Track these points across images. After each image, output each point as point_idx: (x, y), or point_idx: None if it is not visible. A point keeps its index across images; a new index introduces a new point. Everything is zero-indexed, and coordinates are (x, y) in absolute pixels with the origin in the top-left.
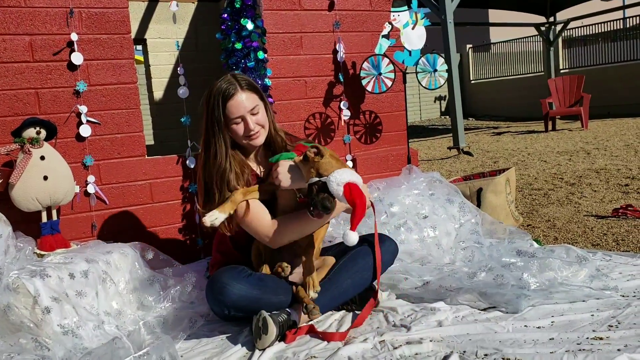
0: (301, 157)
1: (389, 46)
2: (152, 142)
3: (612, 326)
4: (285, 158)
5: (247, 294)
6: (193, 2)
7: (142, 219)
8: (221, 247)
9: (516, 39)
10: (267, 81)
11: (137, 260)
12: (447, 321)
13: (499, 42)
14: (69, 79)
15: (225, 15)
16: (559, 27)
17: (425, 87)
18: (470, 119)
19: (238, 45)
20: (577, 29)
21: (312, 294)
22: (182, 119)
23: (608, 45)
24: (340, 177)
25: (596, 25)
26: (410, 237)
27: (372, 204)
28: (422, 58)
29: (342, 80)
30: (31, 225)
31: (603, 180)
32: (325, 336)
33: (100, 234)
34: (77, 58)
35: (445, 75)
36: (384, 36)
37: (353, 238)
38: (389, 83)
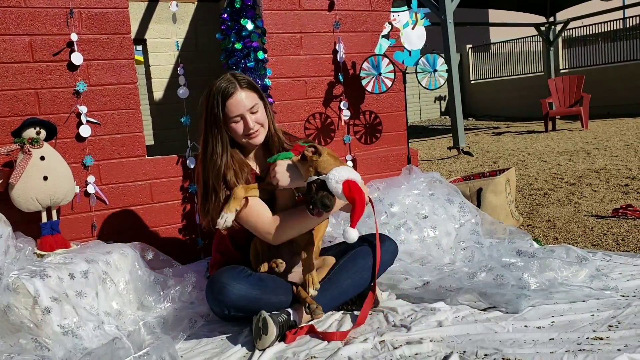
0: (299, 157)
1: (388, 46)
2: (152, 143)
3: (612, 326)
4: (282, 158)
5: (247, 294)
6: (193, 2)
7: (142, 219)
8: (221, 247)
9: (516, 39)
10: (267, 81)
11: (137, 260)
12: (447, 321)
13: (498, 42)
14: (69, 79)
15: (225, 15)
16: (558, 27)
17: (425, 87)
18: (470, 119)
19: (238, 46)
20: (577, 29)
21: (312, 292)
22: (182, 119)
23: (608, 45)
24: (338, 175)
25: (596, 25)
26: (410, 237)
27: (370, 200)
28: (422, 58)
29: (342, 80)
30: (31, 226)
31: (603, 180)
32: (325, 336)
33: (100, 234)
34: (77, 58)
35: (445, 75)
36: (383, 36)
37: (353, 235)
38: (389, 83)
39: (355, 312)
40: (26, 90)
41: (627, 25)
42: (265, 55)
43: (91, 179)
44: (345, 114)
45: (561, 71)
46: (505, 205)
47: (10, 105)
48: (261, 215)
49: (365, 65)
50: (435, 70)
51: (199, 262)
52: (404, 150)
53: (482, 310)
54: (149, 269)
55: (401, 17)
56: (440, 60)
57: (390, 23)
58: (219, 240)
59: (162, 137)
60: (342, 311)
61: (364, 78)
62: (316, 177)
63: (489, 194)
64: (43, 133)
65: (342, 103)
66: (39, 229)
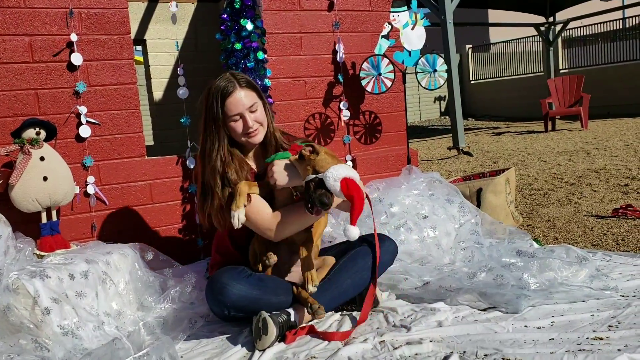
0: (296, 156)
1: (388, 46)
2: (152, 143)
3: (612, 326)
4: (280, 158)
5: (247, 294)
6: (193, 3)
7: (142, 220)
8: (221, 247)
9: (516, 39)
10: (267, 81)
11: (137, 260)
12: (447, 321)
13: (498, 43)
14: (69, 79)
15: (225, 15)
16: (558, 27)
17: (425, 88)
18: (470, 119)
19: (238, 46)
20: (576, 29)
21: (311, 289)
22: (182, 120)
23: (608, 45)
24: (336, 173)
25: (596, 25)
26: (410, 238)
27: (367, 197)
28: (422, 58)
29: (341, 80)
30: (31, 226)
31: (603, 180)
32: (325, 336)
33: (100, 235)
34: (76, 59)
35: (445, 75)
36: (383, 36)
37: (354, 232)
38: (389, 83)
39: (355, 313)
40: (26, 90)
41: (627, 25)
42: (265, 56)
43: (91, 179)
44: (345, 114)
45: (561, 71)
46: (505, 205)
47: (10, 106)
48: (262, 212)
49: (365, 65)
50: (435, 71)
51: (199, 262)
52: (404, 151)
53: (482, 310)
54: (148, 270)
55: (401, 18)
56: (440, 61)
57: (390, 23)
58: (218, 241)
59: (162, 137)
60: (342, 311)
61: (363, 78)
62: (314, 176)
63: (488, 194)
64: (43, 133)
65: (341, 103)
66: (38, 229)
